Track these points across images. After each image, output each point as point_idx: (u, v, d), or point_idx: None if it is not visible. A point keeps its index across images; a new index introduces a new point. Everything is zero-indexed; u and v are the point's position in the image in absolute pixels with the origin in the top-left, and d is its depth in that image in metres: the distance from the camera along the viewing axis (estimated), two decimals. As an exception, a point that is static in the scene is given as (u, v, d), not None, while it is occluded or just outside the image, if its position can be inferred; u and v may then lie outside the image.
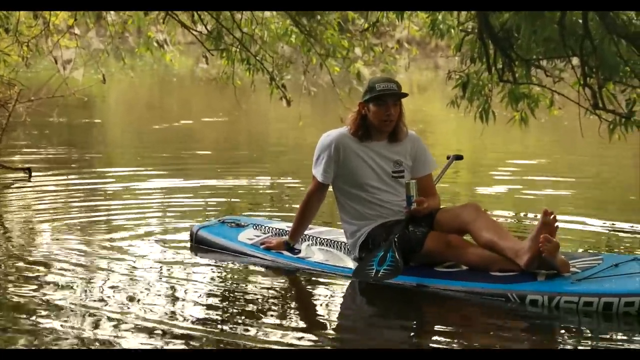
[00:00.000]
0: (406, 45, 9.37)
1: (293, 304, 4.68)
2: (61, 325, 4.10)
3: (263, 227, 5.77)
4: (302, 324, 4.32)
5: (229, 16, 7.72)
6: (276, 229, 5.71)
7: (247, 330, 4.12)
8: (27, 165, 8.80)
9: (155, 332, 4.04)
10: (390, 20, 7.78)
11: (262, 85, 8.23)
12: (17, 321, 4.16)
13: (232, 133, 13.70)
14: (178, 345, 3.89)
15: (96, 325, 4.11)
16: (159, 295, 4.65)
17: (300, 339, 4.06)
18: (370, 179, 5.09)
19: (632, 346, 4.03)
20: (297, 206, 5.37)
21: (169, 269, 5.20)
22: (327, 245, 5.41)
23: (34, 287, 4.75)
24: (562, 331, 4.31)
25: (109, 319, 4.21)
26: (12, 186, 8.14)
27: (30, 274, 5.01)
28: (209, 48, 7.89)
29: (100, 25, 9.93)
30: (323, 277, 5.07)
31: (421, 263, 4.93)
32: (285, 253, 5.33)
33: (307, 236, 5.47)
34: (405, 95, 5.09)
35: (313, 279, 5.06)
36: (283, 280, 5.07)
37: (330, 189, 5.24)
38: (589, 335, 4.21)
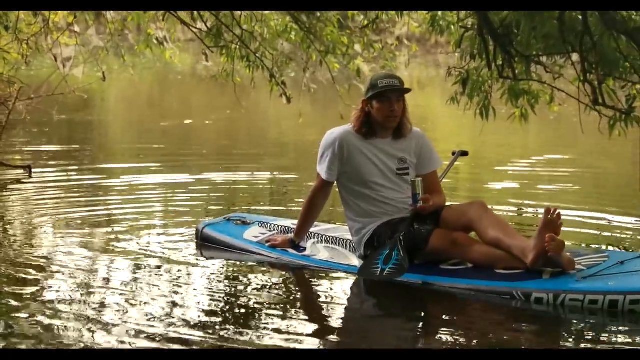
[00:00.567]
0: (406, 42, 9.38)
1: (298, 302, 4.69)
2: (62, 324, 4.10)
3: (269, 224, 5.77)
4: (307, 322, 4.33)
5: (228, 13, 7.72)
6: (282, 226, 5.71)
7: (252, 329, 4.12)
8: (27, 163, 8.81)
9: (158, 330, 4.04)
10: (390, 17, 7.80)
11: (262, 83, 8.24)
12: (17, 320, 4.15)
13: (232, 130, 13.70)
14: (181, 343, 3.88)
15: (97, 325, 4.10)
16: (163, 293, 4.65)
17: (305, 337, 4.07)
18: (374, 177, 5.09)
19: (637, 345, 4.03)
20: (301, 201, 5.37)
21: (172, 267, 5.21)
22: (332, 243, 5.42)
23: (35, 285, 4.75)
24: (567, 329, 4.33)
25: (111, 317, 4.21)
26: (13, 184, 8.14)
27: (32, 272, 5.01)
28: (209, 45, 7.89)
29: (100, 22, 9.94)
30: (328, 275, 5.08)
31: (426, 261, 4.94)
32: (291, 251, 5.34)
33: (313, 234, 5.48)
34: (409, 90, 5.09)
35: (318, 276, 5.08)
36: (288, 278, 5.08)
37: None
38: (594, 333, 4.21)
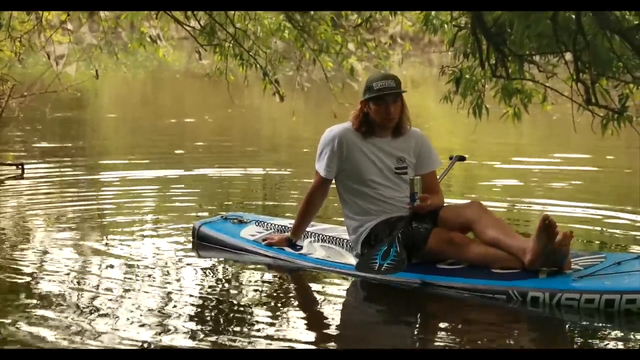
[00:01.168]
0: (399, 40, 9.40)
1: (294, 301, 4.70)
2: (57, 321, 4.09)
3: (265, 223, 5.78)
4: (302, 322, 4.35)
5: (222, 12, 7.72)
6: (278, 225, 5.72)
7: (248, 327, 4.14)
8: (20, 161, 8.80)
9: (153, 330, 4.03)
10: (383, 15, 7.81)
11: (256, 82, 8.25)
12: (10, 319, 4.13)
13: (226, 129, 13.71)
14: (175, 342, 3.88)
15: (92, 324, 4.08)
16: (158, 292, 4.65)
17: (302, 335, 4.10)
18: (373, 175, 5.10)
19: (633, 344, 4.05)
20: (294, 197, 5.38)
21: (168, 265, 5.22)
22: (329, 242, 5.43)
23: (27, 282, 4.75)
24: (563, 328, 4.35)
25: (104, 314, 4.21)
26: (5, 182, 8.14)
27: (24, 270, 5.00)
28: (202, 43, 7.90)
29: (93, 20, 9.93)
30: (325, 274, 5.09)
31: (423, 260, 4.95)
32: (287, 249, 5.35)
33: (310, 233, 5.49)
34: (404, 92, 5.10)
35: (315, 275, 5.09)
36: (285, 277, 5.09)
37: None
38: (590, 332, 4.23)
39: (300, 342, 3.99)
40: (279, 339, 3.99)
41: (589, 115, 5.74)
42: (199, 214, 6.68)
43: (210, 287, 4.84)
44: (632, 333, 4.22)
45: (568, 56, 5.95)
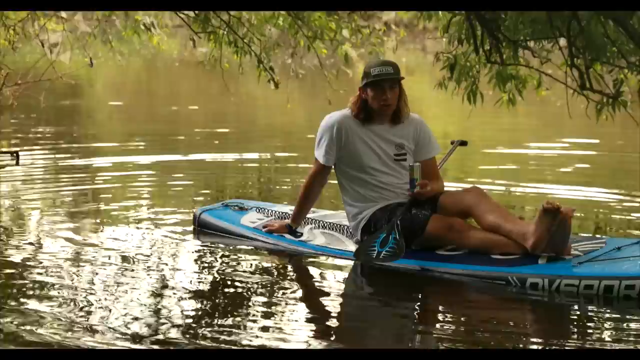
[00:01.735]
0: (394, 27, 9.41)
1: (295, 288, 4.71)
2: (51, 315, 4.04)
3: (266, 210, 5.80)
4: (303, 308, 4.36)
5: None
6: (279, 212, 5.74)
7: (248, 314, 4.15)
8: (14, 149, 8.80)
9: (151, 323, 3.99)
10: (377, 2, 7.80)
11: (251, 69, 8.27)
12: (4, 311, 4.10)
13: (222, 115, 13.72)
14: (174, 332, 3.87)
15: (88, 316, 4.04)
16: (158, 279, 4.67)
17: (302, 322, 4.11)
18: (372, 162, 5.11)
19: (632, 330, 4.08)
20: (288, 182, 5.39)
21: (169, 252, 5.24)
22: (329, 228, 5.44)
23: (20, 274, 4.72)
24: (563, 315, 4.37)
25: (102, 308, 4.16)
26: (0, 170, 8.14)
27: (19, 259, 4.98)
28: (197, 31, 7.89)
29: (86, 8, 9.90)
30: (325, 261, 5.11)
31: (423, 247, 4.97)
32: (287, 236, 5.37)
33: (310, 219, 5.50)
34: (401, 78, 5.10)
35: (315, 262, 5.11)
36: (285, 264, 5.11)
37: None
38: (588, 319, 4.24)
39: (300, 327, 4.01)
40: (278, 327, 3.99)
41: (585, 100, 5.78)
42: (200, 200, 6.71)
43: (209, 274, 4.86)
44: (630, 318, 4.25)
45: (562, 42, 5.98)
